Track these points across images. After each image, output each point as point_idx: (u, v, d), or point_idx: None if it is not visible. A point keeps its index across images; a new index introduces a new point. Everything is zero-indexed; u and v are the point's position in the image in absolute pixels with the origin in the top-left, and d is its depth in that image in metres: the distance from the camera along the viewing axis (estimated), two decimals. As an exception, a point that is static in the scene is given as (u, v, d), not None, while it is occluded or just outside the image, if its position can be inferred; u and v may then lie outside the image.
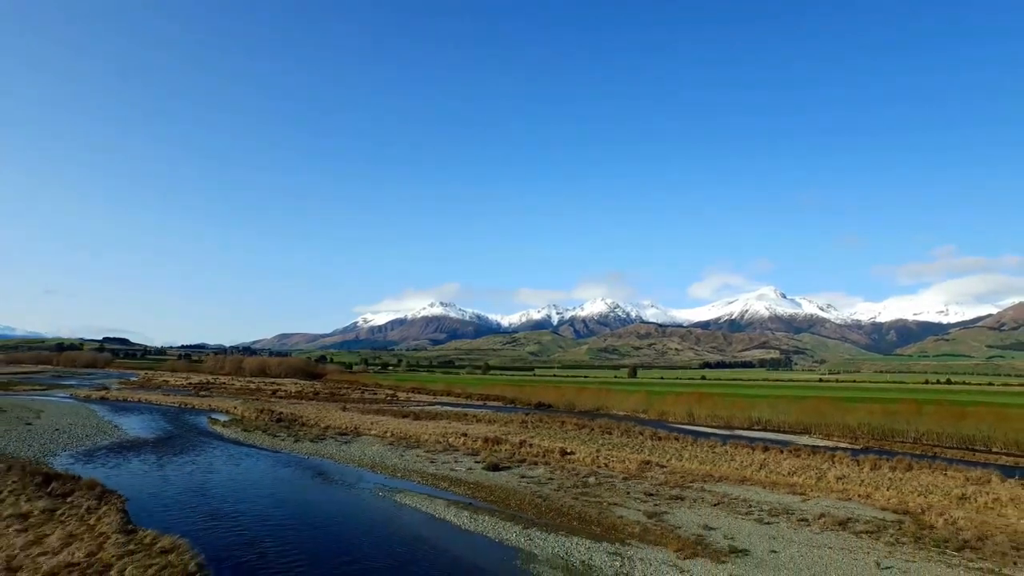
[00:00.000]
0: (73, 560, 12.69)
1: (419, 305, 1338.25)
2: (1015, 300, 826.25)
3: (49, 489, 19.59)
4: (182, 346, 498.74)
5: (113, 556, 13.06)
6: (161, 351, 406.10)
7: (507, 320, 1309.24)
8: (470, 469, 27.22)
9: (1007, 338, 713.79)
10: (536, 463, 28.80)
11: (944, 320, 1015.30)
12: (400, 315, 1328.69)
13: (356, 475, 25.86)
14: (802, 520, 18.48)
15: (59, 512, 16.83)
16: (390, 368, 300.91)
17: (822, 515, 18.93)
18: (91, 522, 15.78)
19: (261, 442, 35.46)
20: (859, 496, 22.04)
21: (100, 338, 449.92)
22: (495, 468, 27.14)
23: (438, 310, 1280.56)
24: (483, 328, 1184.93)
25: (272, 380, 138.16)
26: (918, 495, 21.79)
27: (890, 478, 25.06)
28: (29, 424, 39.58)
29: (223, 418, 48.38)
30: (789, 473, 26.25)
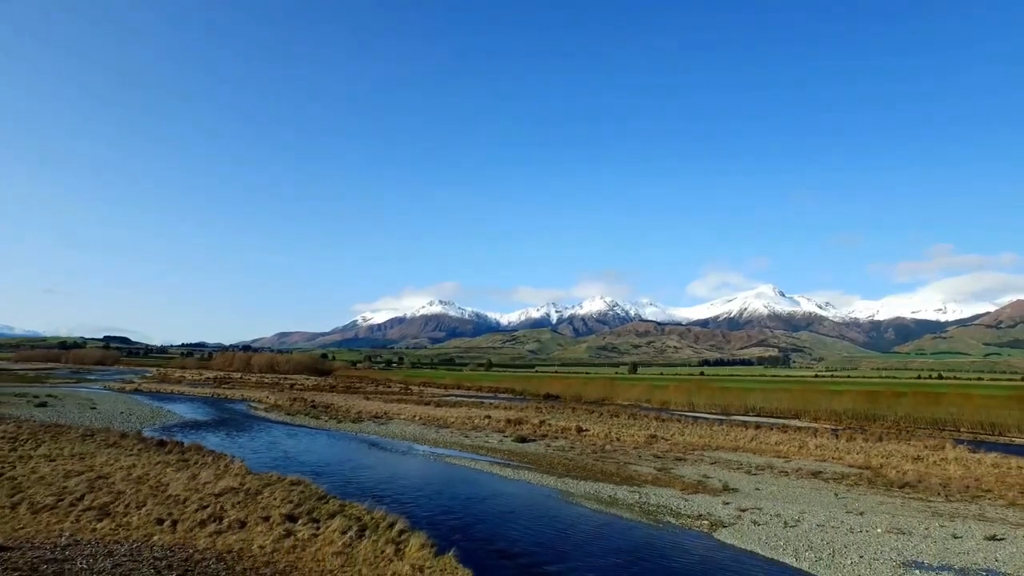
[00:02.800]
0: (231, 486, 16.95)
1: (418, 304, 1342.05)
2: (1012, 298, 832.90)
3: (167, 449, 23.88)
4: (182, 344, 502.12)
5: (257, 485, 17.31)
6: (163, 349, 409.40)
7: (506, 318, 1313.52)
8: (501, 441, 31.53)
9: (1004, 336, 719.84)
10: (557, 437, 33.14)
11: (942, 318, 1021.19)
12: (399, 313, 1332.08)
13: (405, 446, 30.15)
14: (782, 472, 22.85)
15: (190, 461, 21.10)
16: (393, 365, 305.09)
17: (799, 469, 23.33)
18: (221, 468, 20.04)
19: (308, 423, 39.73)
20: (832, 458, 26.42)
21: (99, 337, 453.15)
22: (523, 440, 31.47)
23: (437, 308, 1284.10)
24: (482, 326, 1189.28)
25: (283, 376, 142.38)
26: (881, 457, 26.16)
27: (861, 447, 29.44)
28: (94, 408, 43.78)
29: (260, 406, 52.60)
30: (776, 444, 30.60)
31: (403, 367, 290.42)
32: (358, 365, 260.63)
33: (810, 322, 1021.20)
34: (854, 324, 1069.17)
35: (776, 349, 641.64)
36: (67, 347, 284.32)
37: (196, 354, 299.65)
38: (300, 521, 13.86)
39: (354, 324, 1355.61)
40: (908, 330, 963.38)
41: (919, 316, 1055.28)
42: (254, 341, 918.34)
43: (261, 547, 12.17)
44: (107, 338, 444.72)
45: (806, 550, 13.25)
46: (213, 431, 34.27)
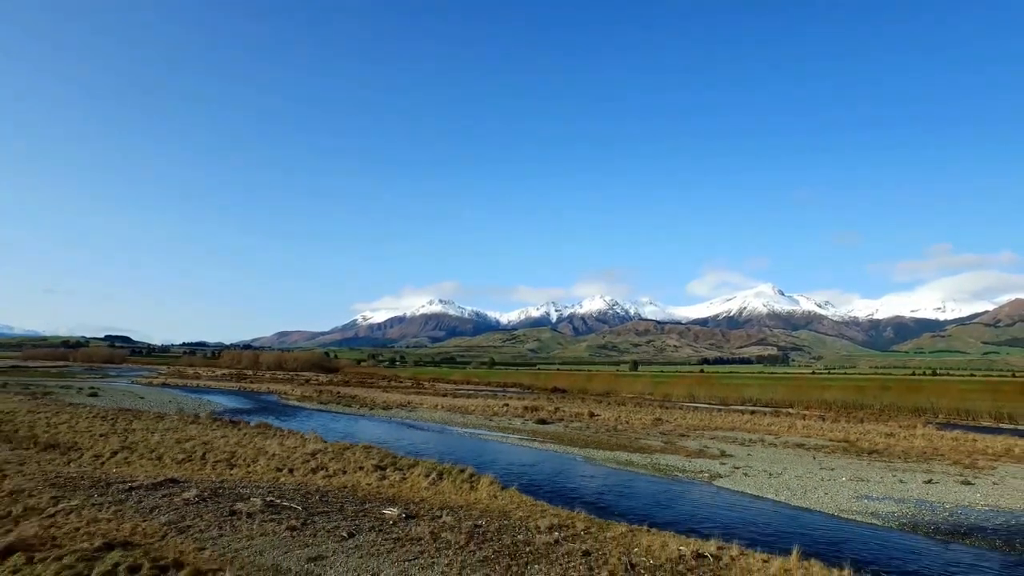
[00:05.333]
0: (318, 449, 20.69)
1: (418, 303, 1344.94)
2: (1011, 297, 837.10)
3: (240, 426, 27.59)
4: (183, 344, 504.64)
5: (338, 449, 21.04)
6: (164, 348, 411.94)
7: (506, 317, 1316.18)
8: (523, 423, 35.29)
9: (1002, 334, 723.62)
10: (572, 420, 36.89)
11: (941, 317, 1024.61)
12: (399, 313, 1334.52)
13: (439, 427, 33.92)
14: (771, 444, 26.64)
15: (268, 434, 24.82)
16: (396, 364, 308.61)
17: (786, 442, 27.11)
18: (299, 438, 23.76)
19: (342, 410, 43.47)
20: (816, 435, 30.18)
21: (100, 336, 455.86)
22: (543, 422, 35.25)
23: (437, 308, 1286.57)
24: (482, 326, 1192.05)
25: (293, 372, 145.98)
26: (859, 434, 29.94)
27: (843, 427, 33.22)
28: (141, 398, 47.51)
29: (290, 397, 56.27)
30: (768, 425, 34.39)
31: (406, 365, 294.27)
32: (362, 364, 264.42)
33: (809, 321, 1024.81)
34: (853, 323, 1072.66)
35: (775, 348, 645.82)
36: (71, 346, 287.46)
37: (199, 353, 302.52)
38: (388, 470, 17.64)
39: (354, 323, 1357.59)
40: (907, 329, 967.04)
41: (918, 315, 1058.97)
42: (254, 340, 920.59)
43: (368, 484, 15.94)
44: (109, 337, 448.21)
45: (784, 490, 17.03)
46: (263, 416, 37.91)
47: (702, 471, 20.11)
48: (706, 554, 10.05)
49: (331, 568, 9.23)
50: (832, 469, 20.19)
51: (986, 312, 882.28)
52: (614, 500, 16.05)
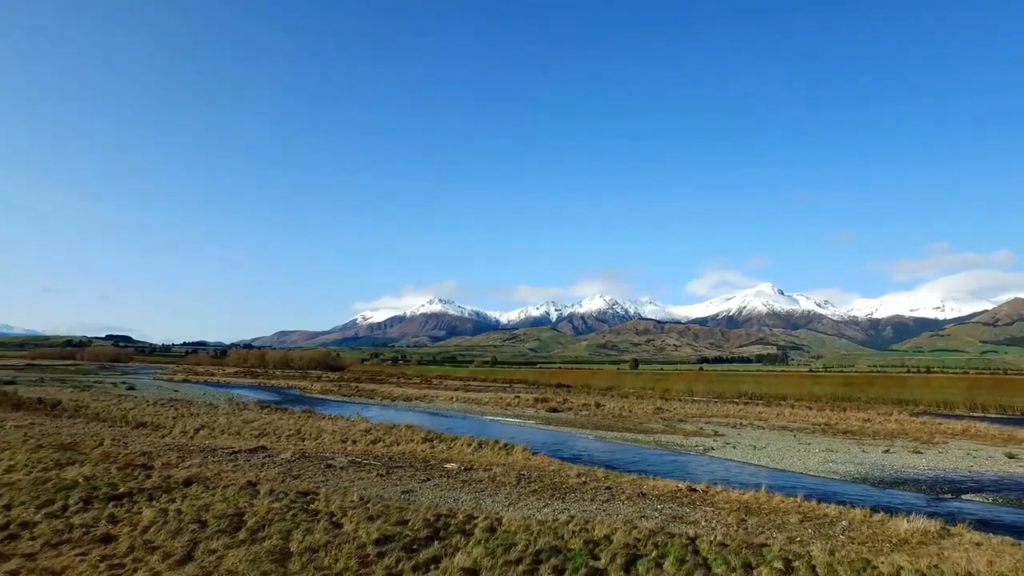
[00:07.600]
0: (369, 427, 24.05)
1: (418, 302, 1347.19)
2: (1009, 296, 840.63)
3: (289, 412, 30.96)
4: (184, 343, 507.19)
5: (385, 427, 24.39)
6: (166, 348, 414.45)
7: (506, 317, 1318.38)
8: (536, 412, 38.70)
9: (1001, 333, 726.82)
10: (580, 410, 40.29)
11: (940, 316, 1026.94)
12: (399, 312, 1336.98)
13: (460, 415, 37.32)
14: (759, 427, 30.08)
15: (316, 417, 28.20)
16: (399, 362, 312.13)
17: (773, 426, 30.54)
18: (347, 420, 27.14)
19: (366, 402, 46.83)
20: (801, 421, 33.61)
21: (101, 335, 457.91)
22: (553, 411, 38.66)
23: (437, 307, 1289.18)
24: (482, 325, 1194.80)
25: (301, 371, 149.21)
26: (839, 419, 33.37)
27: (827, 414, 36.64)
28: (176, 391, 50.92)
29: (312, 391, 59.65)
30: (758, 413, 37.81)
31: (408, 364, 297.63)
32: (365, 362, 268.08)
33: (809, 320, 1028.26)
34: (853, 322, 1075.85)
35: (775, 347, 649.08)
36: (75, 345, 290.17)
37: (201, 352, 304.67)
38: (435, 442, 21.06)
39: (354, 323, 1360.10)
40: (907, 328, 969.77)
41: (917, 314, 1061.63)
42: (254, 340, 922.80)
43: (422, 451, 19.36)
44: (111, 336, 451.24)
45: (765, 458, 20.47)
46: (297, 407, 41.21)
47: (697, 445, 23.54)
48: (697, 489, 13.48)
49: (421, 496, 12.63)
50: (808, 444, 23.63)
51: (985, 311, 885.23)
52: (624, 464, 19.47)
